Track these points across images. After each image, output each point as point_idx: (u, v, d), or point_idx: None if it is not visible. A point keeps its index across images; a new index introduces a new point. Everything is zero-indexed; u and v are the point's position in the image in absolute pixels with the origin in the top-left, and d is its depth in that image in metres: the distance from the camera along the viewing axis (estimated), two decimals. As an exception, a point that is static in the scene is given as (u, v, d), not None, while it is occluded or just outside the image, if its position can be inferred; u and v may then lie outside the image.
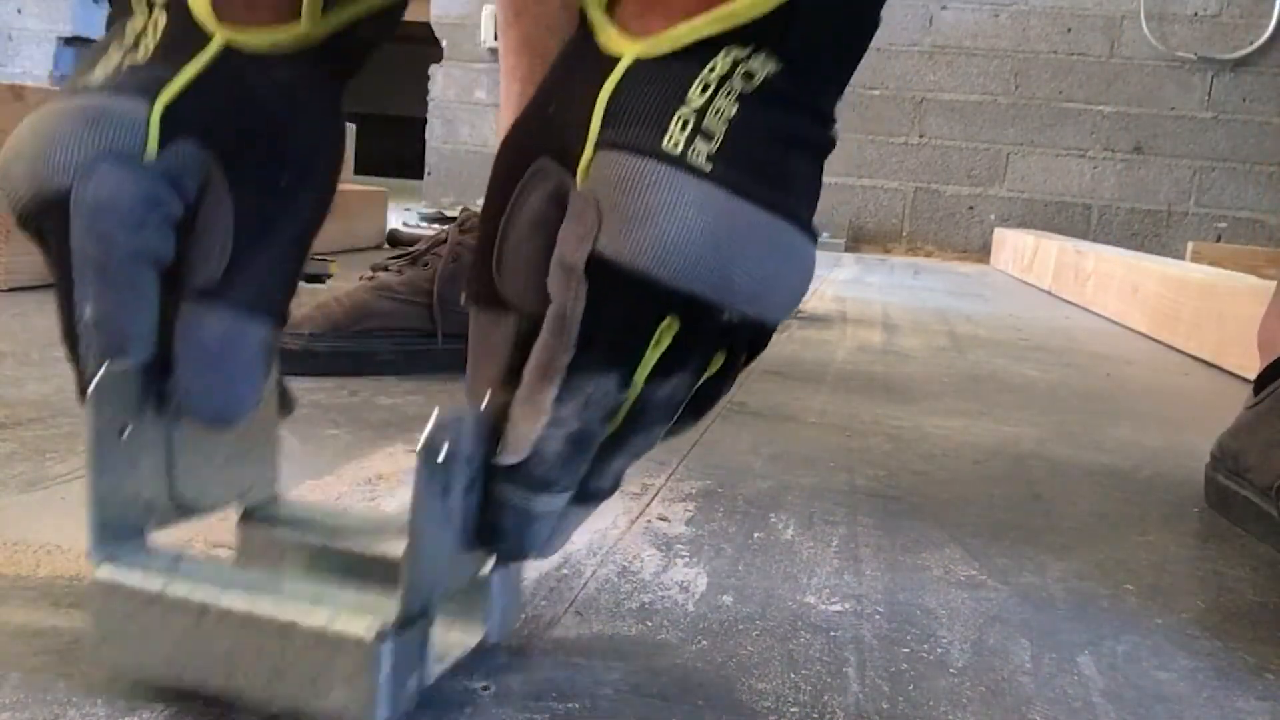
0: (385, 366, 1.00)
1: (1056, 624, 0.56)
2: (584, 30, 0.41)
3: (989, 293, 2.48)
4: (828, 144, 0.40)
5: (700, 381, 0.40)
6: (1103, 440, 1.01)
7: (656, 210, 0.36)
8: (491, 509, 0.40)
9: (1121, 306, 2.02)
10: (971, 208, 3.66)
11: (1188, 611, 0.59)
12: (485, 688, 0.43)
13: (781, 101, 0.38)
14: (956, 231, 3.68)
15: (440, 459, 0.37)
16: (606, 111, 0.38)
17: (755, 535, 0.65)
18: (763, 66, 0.38)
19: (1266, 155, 3.43)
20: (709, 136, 0.37)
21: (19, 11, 3.64)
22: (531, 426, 0.38)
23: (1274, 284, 0.93)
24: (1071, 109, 3.54)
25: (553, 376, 0.38)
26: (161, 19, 0.42)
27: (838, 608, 0.55)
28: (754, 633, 0.51)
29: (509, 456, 0.39)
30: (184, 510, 0.44)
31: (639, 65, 0.39)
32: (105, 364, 0.39)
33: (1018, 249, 3.01)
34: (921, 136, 3.65)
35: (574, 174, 0.38)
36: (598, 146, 0.38)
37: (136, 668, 0.39)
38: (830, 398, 1.08)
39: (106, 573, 0.39)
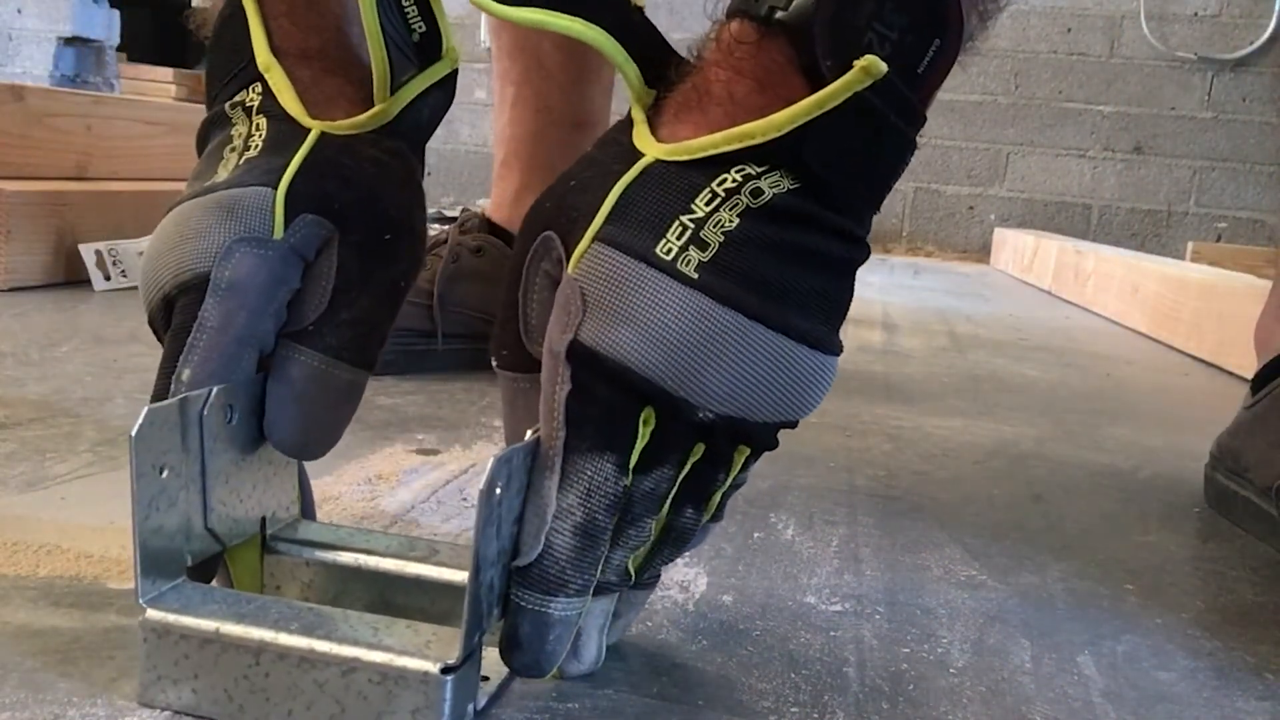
0: (385, 366, 1.00)
1: (1056, 624, 0.56)
2: (626, 122, 0.44)
3: (989, 293, 2.48)
4: (849, 259, 0.42)
5: (687, 473, 0.42)
6: (1103, 440, 1.01)
7: (637, 310, 0.39)
8: (509, 619, 0.41)
9: (1121, 306, 2.02)
10: (971, 208, 3.66)
11: (1188, 611, 0.59)
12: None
13: (788, 219, 0.40)
14: (956, 231, 3.68)
15: (497, 497, 0.38)
16: (615, 205, 0.41)
17: (755, 535, 0.65)
18: (773, 185, 0.40)
19: (1266, 155, 3.43)
20: (703, 246, 0.40)
21: (19, 11, 3.63)
22: (540, 521, 0.40)
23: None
24: (1071, 109, 3.54)
25: (552, 462, 0.40)
26: (263, 122, 0.49)
27: (838, 608, 0.55)
28: (754, 633, 0.51)
29: (522, 558, 0.40)
30: (217, 542, 0.45)
31: (656, 166, 0.41)
32: (144, 410, 0.40)
33: (1018, 249, 3.01)
34: (921, 136, 3.64)
35: (569, 254, 0.41)
36: (596, 238, 0.40)
37: (191, 707, 0.39)
38: (830, 398, 1.08)
39: (157, 614, 0.40)
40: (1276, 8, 3.35)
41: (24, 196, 1.30)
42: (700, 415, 0.40)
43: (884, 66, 0.39)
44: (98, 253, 1.35)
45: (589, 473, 0.40)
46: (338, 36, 0.51)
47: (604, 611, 0.44)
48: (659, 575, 0.46)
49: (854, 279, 0.43)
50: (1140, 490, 0.85)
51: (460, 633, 0.38)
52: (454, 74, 0.52)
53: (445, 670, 0.38)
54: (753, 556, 0.61)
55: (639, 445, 0.40)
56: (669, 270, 0.39)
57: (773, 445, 0.43)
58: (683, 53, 0.44)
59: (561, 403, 0.40)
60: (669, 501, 0.42)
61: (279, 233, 0.46)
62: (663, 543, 0.43)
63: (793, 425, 0.43)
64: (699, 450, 0.41)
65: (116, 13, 3.69)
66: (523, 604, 0.40)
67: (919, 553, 0.65)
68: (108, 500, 0.61)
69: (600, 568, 0.41)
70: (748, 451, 0.43)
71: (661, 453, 0.41)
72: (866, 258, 0.43)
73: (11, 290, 1.27)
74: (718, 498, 0.44)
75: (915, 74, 0.41)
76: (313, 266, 0.47)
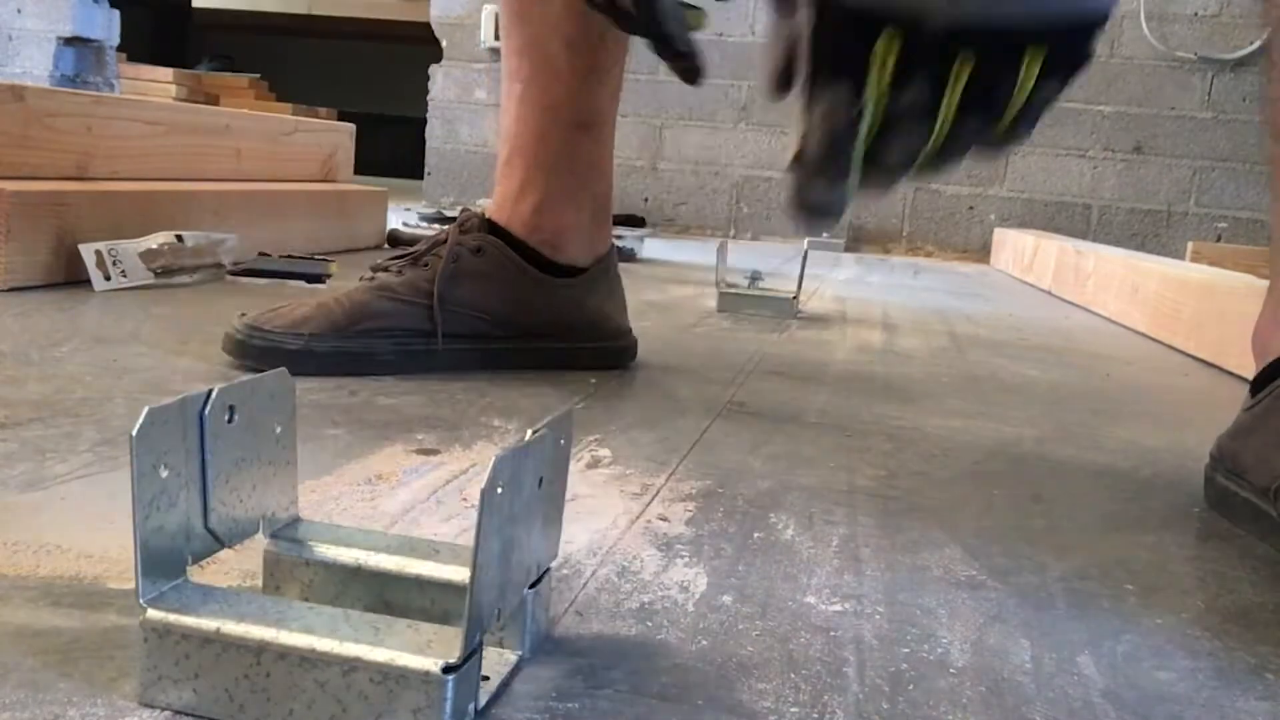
0: (385, 366, 1.00)
1: (1056, 624, 0.56)
2: None
3: (989, 293, 2.48)
4: None
5: (966, 92, 0.46)
6: (1103, 440, 1.01)
7: None
8: (795, 193, 0.51)
9: (1121, 306, 2.02)
10: (971, 208, 3.66)
11: (1188, 611, 0.59)
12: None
13: None
14: (956, 231, 3.68)
15: (499, 496, 0.38)
16: None
17: (755, 535, 0.65)
18: None
19: (1266, 155, 3.42)
20: None
21: (19, 11, 3.63)
22: (798, 130, 0.49)
23: (1274, 284, 0.93)
24: (1071, 109, 3.54)
25: (801, 87, 0.49)
26: None
27: (838, 608, 0.55)
28: (754, 633, 0.51)
29: (788, 153, 0.50)
30: (218, 542, 0.45)
31: None
32: (145, 410, 0.40)
33: (1018, 249, 3.01)
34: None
35: None
36: None
37: (191, 707, 0.40)
38: (830, 398, 1.08)
39: (157, 613, 0.40)
40: (1276, 8, 3.35)
41: (24, 196, 1.30)
42: (929, 25, 0.45)
43: None
44: (98, 253, 1.35)
45: (828, 96, 0.47)
46: None
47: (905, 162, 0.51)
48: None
49: None
50: (1140, 490, 0.85)
51: (461, 632, 0.38)
52: None
53: (446, 670, 0.38)
54: (753, 556, 0.61)
55: (889, 61, 0.45)
56: None
57: (1074, 56, 0.46)
58: None
59: (806, 39, 0.47)
60: (953, 113, 0.47)
61: None
62: (952, 145, 0.49)
63: (1098, 24, 0.46)
64: (966, 67, 0.45)
65: (116, 13, 3.70)
66: (795, 184, 0.50)
67: (919, 553, 0.65)
68: (108, 500, 0.61)
69: (883, 152, 0.49)
70: (1040, 59, 0.45)
71: (910, 67, 0.46)
72: None
73: (11, 290, 1.27)
74: (1010, 115, 0.47)
75: None
76: None
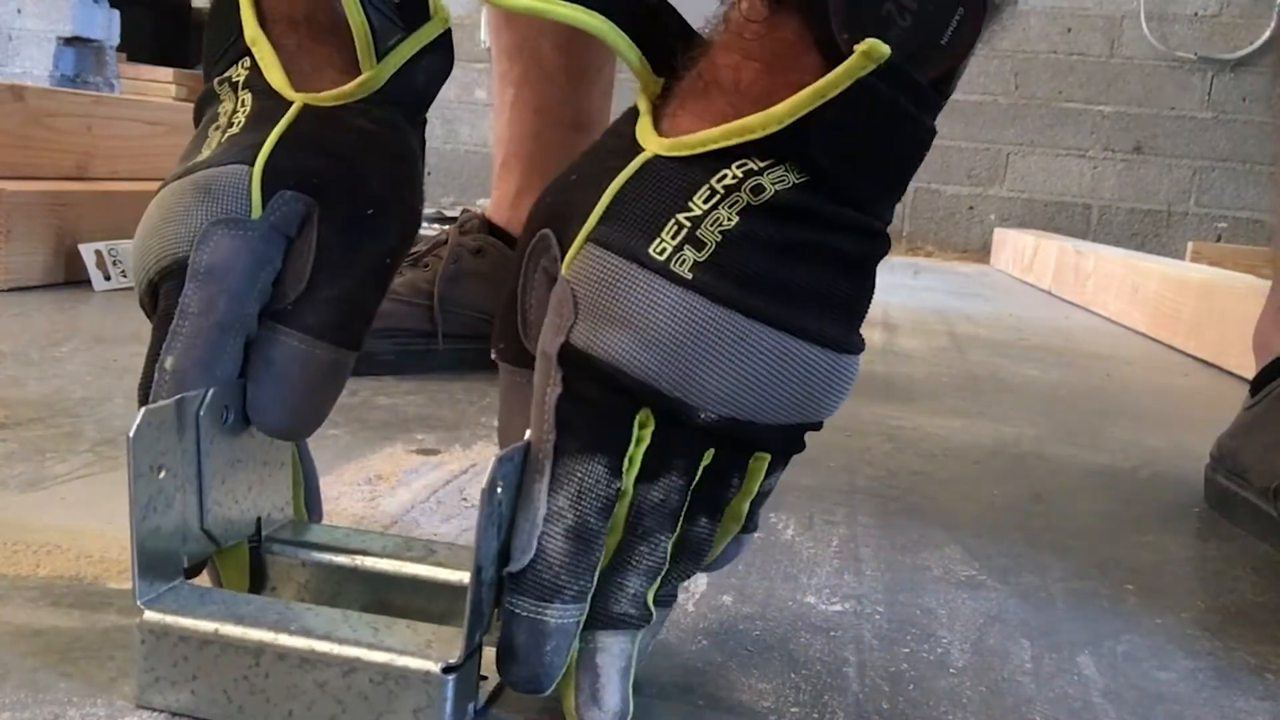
0: (385, 366, 1.00)
1: (1056, 624, 0.56)
2: (633, 112, 0.43)
3: (989, 293, 2.48)
4: (865, 254, 0.41)
5: (696, 486, 0.40)
6: (1103, 440, 1.01)
7: (629, 312, 0.38)
8: (504, 629, 0.39)
9: (1121, 306, 2.02)
10: (971, 208, 3.66)
11: (1188, 611, 0.59)
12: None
13: (790, 216, 0.39)
14: (956, 231, 3.67)
15: (499, 496, 0.38)
16: (610, 205, 0.40)
17: (755, 535, 0.65)
18: (777, 181, 0.39)
19: (1266, 155, 3.42)
20: (700, 245, 0.38)
21: (19, 11, 3.63)
22: (531, 525, 0.39)
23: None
24: (1071, 109, 3.54)
25: (542, 465, 0.39)
26: (248, 98, 0.48)
27: (838, 608, 0.55)
28: (754, 633, 0.51)
29: (515, 563, 0.39)
30: (213, 543, 0.45)
31: (655, 162, 0.40)
32: (141, 411, 0.39)
33: (1018, 249, 3.01)
34: (921, 136, 3.64)
35: (564, 253, 0.40)
36: (588, 238, 0.39)
37: (189, 709, 0.39)
38: (830, 398, 1.08)
39: (155, 615, 0.40)
40: (1276, 8, 3.35)
41: (24, 196, 1.30)
42: (701, 417, 0.39)
43: (886, 50, 0.37)
44: (98, 253, 1.35)
45: (579, 475, 0.38)
46: (325, 1, 0.49)
47: (624, 653, 0.41)
48: (675, 594, 0.44)
49: (873, 274, 0.41)
50: (1140, 490, 0.85)
51: (462, 632, 0.38)
52: (448, 34, 0.50)
53: (447, 670, 0.38)
54: (753, 556, 0.61)
55: (639, 450, 0.39)
56: (662, 271, 0.38)
57: (795, 448, 0.42)
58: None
59: (552, 405, 0.39)
60: (683, 514, 0.41)
61: (256, 212, 0.44)
62: (678, 557, 0.41)
63: (815, 427, 0.42)
64: (708, 457, 0.40)
65: (116, 13, 3.69)
66: (518, 611, 0.38)
67: (919, 553, 0.65)
68: (108, 500, 0.61)
69: (612, 593, 0.40)
70: (767, 458, 0.41)
71: (665, 458, 0.39)
72: (886, 250, 0.41)
73: (11, 290, 1.27)
74: (742, 506, 0.42)
75: (938, 46, 0.39)
76: (294, 244, 0.46)
